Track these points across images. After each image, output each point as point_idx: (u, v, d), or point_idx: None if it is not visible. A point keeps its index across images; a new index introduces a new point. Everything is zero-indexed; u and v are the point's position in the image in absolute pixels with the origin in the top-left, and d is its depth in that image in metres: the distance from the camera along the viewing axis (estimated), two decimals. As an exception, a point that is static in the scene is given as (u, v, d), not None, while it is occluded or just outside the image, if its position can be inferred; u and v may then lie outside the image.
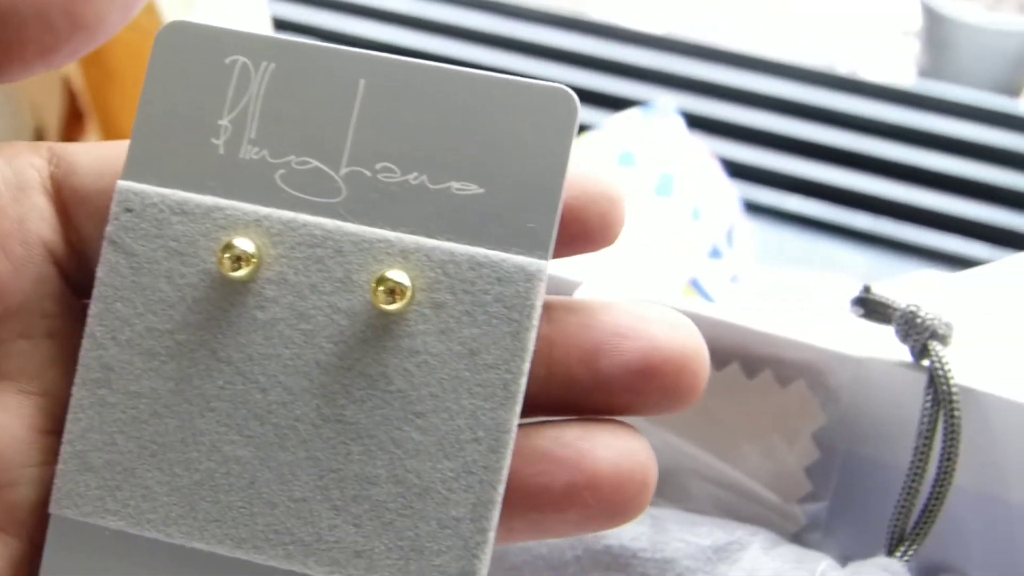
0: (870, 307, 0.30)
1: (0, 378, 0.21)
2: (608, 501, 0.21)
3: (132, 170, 0.22)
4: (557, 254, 0.21)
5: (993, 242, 0.64)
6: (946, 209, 0.65)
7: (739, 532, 0.29)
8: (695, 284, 0.50)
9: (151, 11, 0.37)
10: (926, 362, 0.29)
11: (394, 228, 0.21)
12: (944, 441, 0.28)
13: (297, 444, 0.21)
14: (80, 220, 0.22)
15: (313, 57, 0.22)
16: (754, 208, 0.63)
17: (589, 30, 0.72)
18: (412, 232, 0.21)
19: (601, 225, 0.21)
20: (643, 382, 0.21)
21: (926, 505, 0.28)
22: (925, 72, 0.89)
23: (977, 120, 0.70)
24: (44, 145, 0.23)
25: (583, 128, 0.61)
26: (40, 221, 0.22)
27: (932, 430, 0.28)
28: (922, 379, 0.29)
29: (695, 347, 0.21)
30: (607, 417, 0.21)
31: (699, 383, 0.21)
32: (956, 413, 0.28)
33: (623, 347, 0.21)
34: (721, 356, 0.31)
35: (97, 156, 0.22)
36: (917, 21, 0.91)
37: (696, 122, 0.68)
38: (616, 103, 0.69)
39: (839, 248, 0.61)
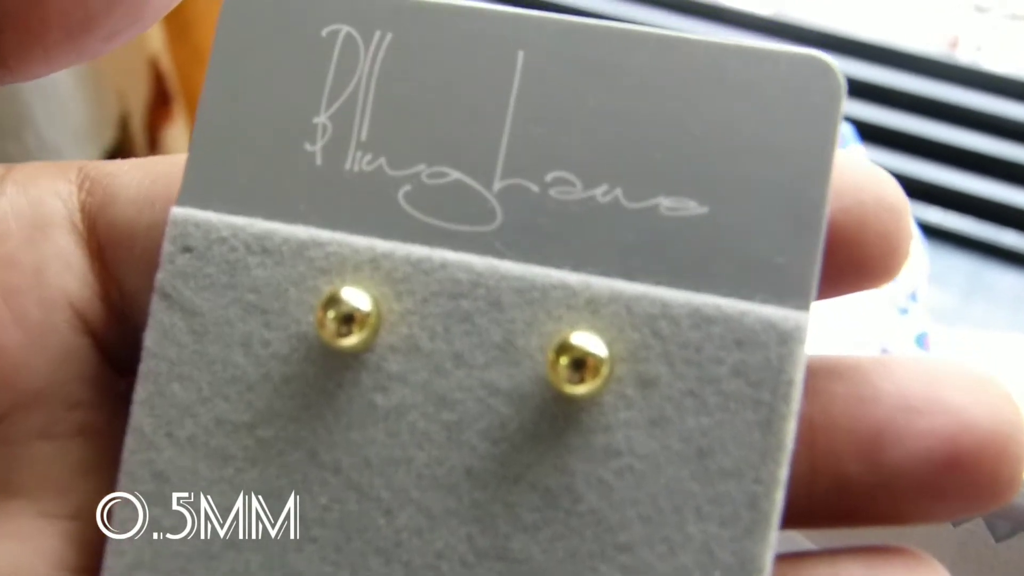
0: None
1: (14, 496, 0.15)
2: None
3: (192, 192, 0.15)
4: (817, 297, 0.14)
5: None
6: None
7: None
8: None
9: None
10: None
11: (576, 268, 0.14)
12: None
13: None
14: (122, 268, 0.16)
15: (448, 21, 0.15)
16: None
17: (693, 12, 0.66)
18: (603, 273, 0.14)
19: (883, 250, 0.15)
20: (948, 478, 0.15)
21: None
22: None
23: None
24: (73, 166, 0.16)
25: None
26: (65, 272, 0.15)
27: None
28: None
29: (1011, 417, 0.15)
30: (894, 547, 0.15)
31: (1020, 470, 0.15)
32: None
33: (918, 428, 0.14)
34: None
35: (144, 177, 0.16)
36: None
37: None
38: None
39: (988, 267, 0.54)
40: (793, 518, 0.15)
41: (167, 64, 0.35)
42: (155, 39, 0.34)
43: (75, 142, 0.33)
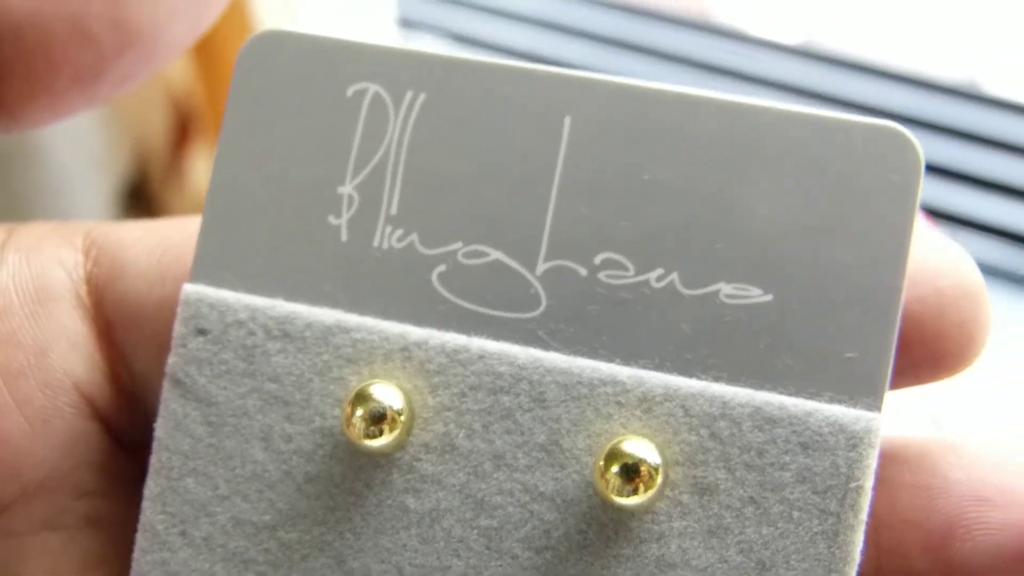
0: None
1: None
2: None
3: (205, 267, 0.14)
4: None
5: None
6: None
7: None
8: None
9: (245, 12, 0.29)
10: None
11: (627, 361, 0.13)
12: None
13: None
14: (131, 348, 0.15)
15: (487, 82, 0.14)
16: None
17: (714, 34, 0.63)
18: (657, 368, 0.13)
19: (961, 342, 0.13)
20: (1020, 573, 0.14)
21: None
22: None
23: None
24: (79, 230, 0.15)
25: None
26: (70, 352, 0.14)
27: None
28: None
29: None
30: None
31: None
32: None
33: (990, 522, 0.14)
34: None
35: (156, 248, 0.15)
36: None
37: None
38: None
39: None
40: None
41: (190, 96, 0.34)
42: (174, 71, 0.32)
43: (90, 170, 0.32)
